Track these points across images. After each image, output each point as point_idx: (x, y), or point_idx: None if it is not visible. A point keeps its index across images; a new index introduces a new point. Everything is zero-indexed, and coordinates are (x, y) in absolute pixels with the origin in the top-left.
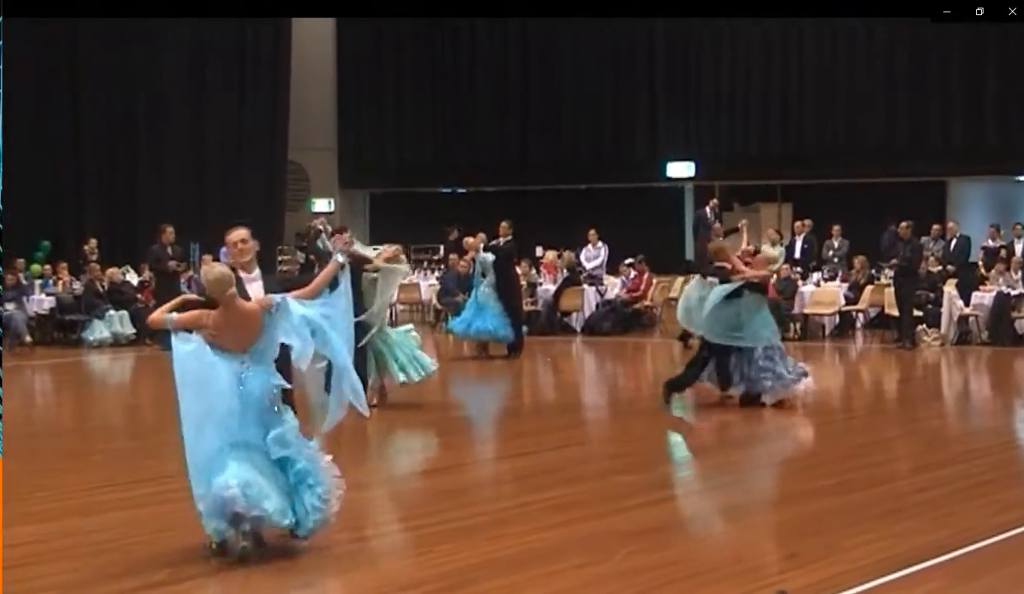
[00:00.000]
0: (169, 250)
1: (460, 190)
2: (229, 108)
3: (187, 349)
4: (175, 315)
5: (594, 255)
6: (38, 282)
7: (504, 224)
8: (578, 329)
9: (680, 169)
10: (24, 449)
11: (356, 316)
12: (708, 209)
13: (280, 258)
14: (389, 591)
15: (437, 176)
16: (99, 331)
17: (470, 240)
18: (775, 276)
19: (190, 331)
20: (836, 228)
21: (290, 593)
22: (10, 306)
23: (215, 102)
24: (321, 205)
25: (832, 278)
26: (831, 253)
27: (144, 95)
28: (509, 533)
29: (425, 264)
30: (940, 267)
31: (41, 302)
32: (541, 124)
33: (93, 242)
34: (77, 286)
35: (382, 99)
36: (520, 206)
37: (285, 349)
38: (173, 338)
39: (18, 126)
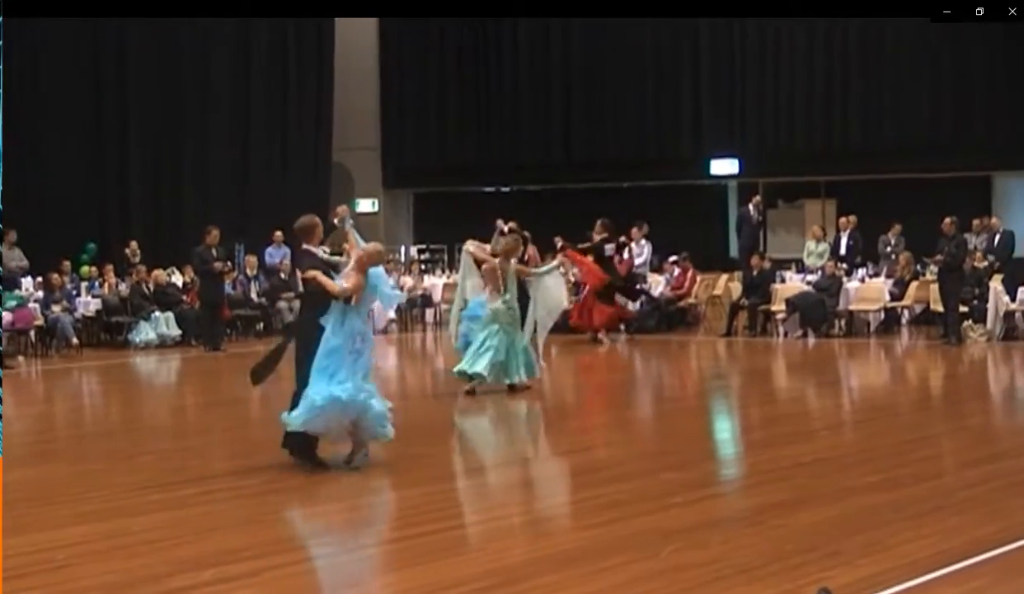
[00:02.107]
0: (214, 251)
1: (503, 189)
2: (273, 109)
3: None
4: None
5: (638, 253)
6: (84, 284)
7: (500, 222)
8: (621, 327)
9: (724, 166)
10: (73, 450)
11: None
12: (751, 206)
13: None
14: (437, 589)
15: (480, 175)
16: (145, 333)
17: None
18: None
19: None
20: (897, 227)
21: (339, 590)
22: (57, 308)
23: (259, 104)
24: (365, 205)
25: (877, 274)
26: (888, 249)
27: (189, 97)
28: (556, 531)
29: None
30: (986, 262)
31: (88, 304)
32: (584, 122)
33: (134, 244)
34: (123, 288)
35: (425, 98)
36: (563, 204)
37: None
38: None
39: (64, 128)
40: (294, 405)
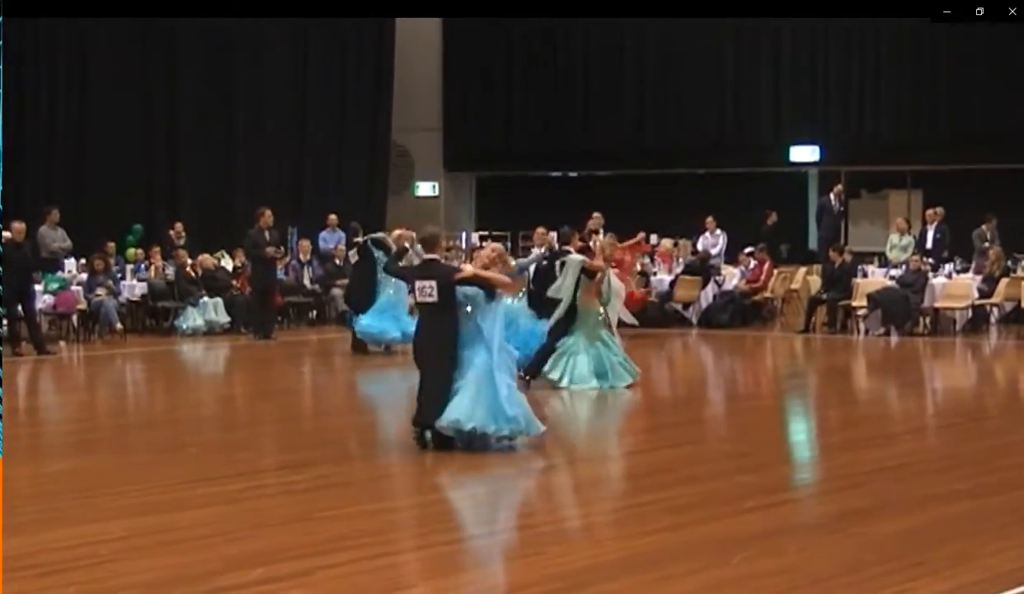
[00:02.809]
0: (267, 235)
1: (571, 174)
2: (331, 86)
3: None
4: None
5: (712, 243)
6: (130, 267)
7: (540, 230)
8: (694, 321)
9: (804, 153)
10: (116, 441)
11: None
12: (833, 196)
13: None
14: (493, 592)
15: (547, 159)
16: (193, 319)
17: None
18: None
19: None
20: (993, 221)
21: (392, 593)
22: (101, 292)
23: (316, 79)
24: (425, 189)
25: (965, 270)
26: (985, 244)
27: (242, 73)
28: (621, 535)
29: (532, 251)
30: None
31: (133, 288)
32: (658, 104)
33: (179, 226)
34: (170, 272)
35: (491, 77)
36: (634, 191)
37: None
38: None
39: (112, 105)
40: (438, 407)
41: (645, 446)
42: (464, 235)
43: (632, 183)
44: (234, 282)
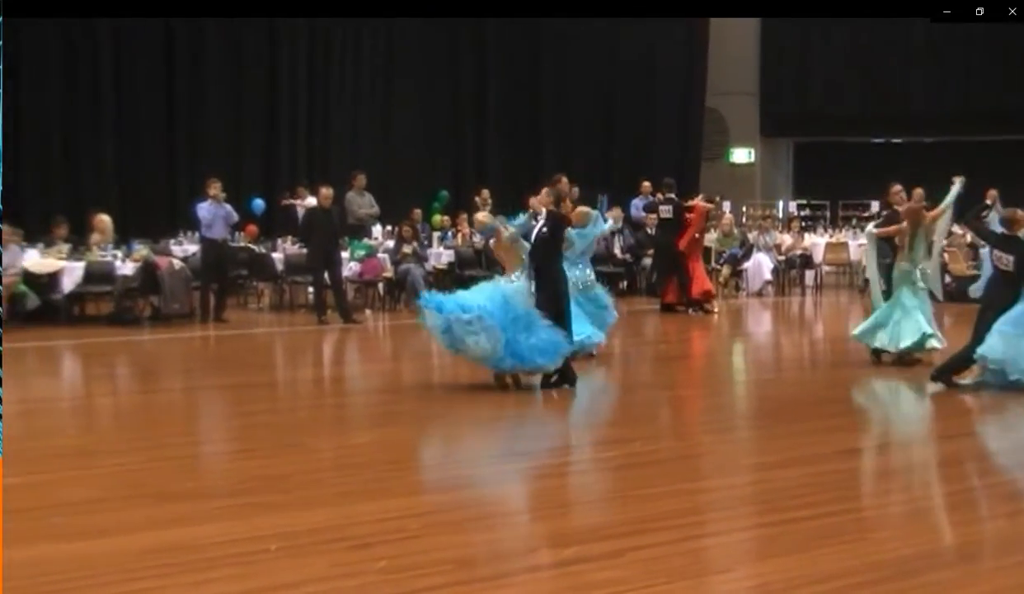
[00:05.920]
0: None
1: (895, 141)
2: (642, 46)
3: None
4: None
5: None
6: (436, 234)
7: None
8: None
9: None
10: (422, 413)
11: None
12: None
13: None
14: (817, 580)
15: (868, 125)
16: None
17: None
18: None
19: None
20: None
21: (708, 577)
22: (408, 259)
23: (626, 41)
24: (740, 155)
25: None
26: None
27: (550, 34)
28: (953, 521)
29: (854, 222)
30: None
31: (439, 255)
32: (986, 67)
33: (485, 192)
34: (478, 239)
35: (808, 38)
36: (961, 159)
37: None
38: None
39: (417, 75)
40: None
41: (968, 429)
42: (781, 204)
43: (958, 150)
44: None
